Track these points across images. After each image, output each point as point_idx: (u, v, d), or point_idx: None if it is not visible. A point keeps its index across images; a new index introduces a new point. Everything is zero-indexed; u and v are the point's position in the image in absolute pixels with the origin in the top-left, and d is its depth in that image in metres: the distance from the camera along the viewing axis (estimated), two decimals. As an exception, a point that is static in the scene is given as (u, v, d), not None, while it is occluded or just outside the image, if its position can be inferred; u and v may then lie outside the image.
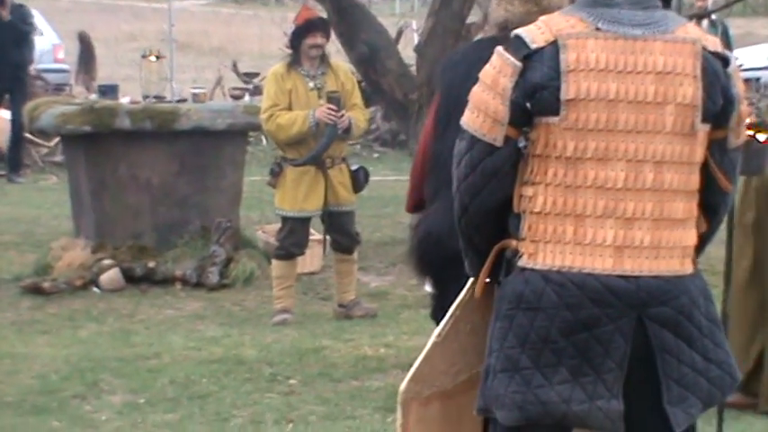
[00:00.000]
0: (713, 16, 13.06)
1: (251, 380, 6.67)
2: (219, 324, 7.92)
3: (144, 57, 9.61)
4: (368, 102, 10.22)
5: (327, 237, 8.04)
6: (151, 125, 8.95)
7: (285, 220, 7.90)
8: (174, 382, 6.62)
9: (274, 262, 7.97)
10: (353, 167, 7.94)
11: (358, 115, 7.84)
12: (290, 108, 7.71)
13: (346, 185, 7.85)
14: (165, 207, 9.09)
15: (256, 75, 18.86)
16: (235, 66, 18.49)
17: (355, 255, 8.09)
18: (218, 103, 10.32)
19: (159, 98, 9.35)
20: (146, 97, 9.32)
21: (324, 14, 12.06)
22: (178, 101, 9.42)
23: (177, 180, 9.11)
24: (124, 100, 9.35)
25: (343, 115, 7.64)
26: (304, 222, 7.91)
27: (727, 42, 12.03)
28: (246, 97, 10.67)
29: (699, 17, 12.44)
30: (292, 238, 7.85)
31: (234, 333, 7.66)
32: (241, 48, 27.17)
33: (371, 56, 10.50)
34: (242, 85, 17.34)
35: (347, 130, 7.71)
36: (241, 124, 9.32)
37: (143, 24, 31.45)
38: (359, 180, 7.92)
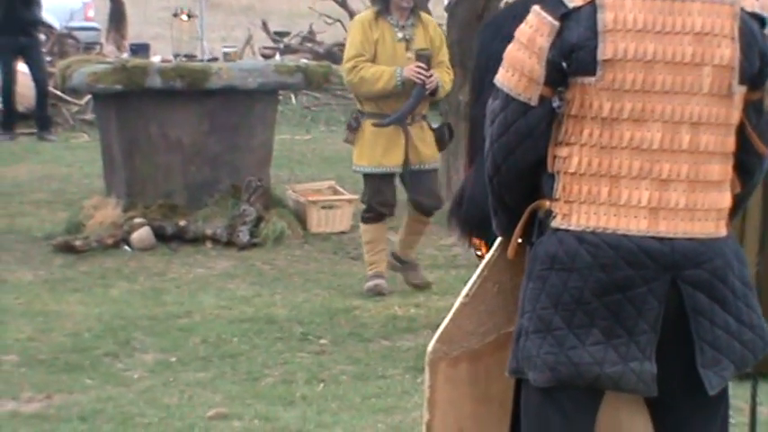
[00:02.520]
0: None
1: (282, 339, 6.70)
2: (250, 283, 7.95)
3: (175, 15, 9.61)
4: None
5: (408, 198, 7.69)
6: (182, 84, 8.95)
7: (366, 178, 7.63)
8: (205, 341, 6.65)
9: (363, 226, 7.68)
10: (435, 125, 7.60)
11: (443, 75, 7.44)
12: (374, 59, 7.40)
13: (428, 142, 7.47)
14: (196, 166, 9.11)
15: (287, 34, 18.88)
16: (264, 25, 18.48)
17: (432, 219, 7.76)
18: (249, 62, 10.32)
19: (190, 57, 9.35)
20: (176, 56, 9.32)
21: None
22: (209, 60, 9.41)
23: (208, 139, 9.13)
24: (155, 59, 9.36)
25: (432, 75, 7.30)
26: (387, 179, 7.55)
27: None
28: (277, 56, 10.66)
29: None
30: (379, 196, 7.55)
31: (264, 292, 7.69)
32: (270, 7, 27.11)
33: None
34: (272, 44, 17.33)
35: (434, 92, 7.38)
36: (272, 83, 9.33)
37: (172, -17, 31.38)
38: (443, 137, 7.55)
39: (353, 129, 7.56)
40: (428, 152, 7.51)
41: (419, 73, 7.23)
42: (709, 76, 3.18)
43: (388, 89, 7.29)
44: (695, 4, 3.18)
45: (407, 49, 7.39)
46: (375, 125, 7.34)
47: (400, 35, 7.44)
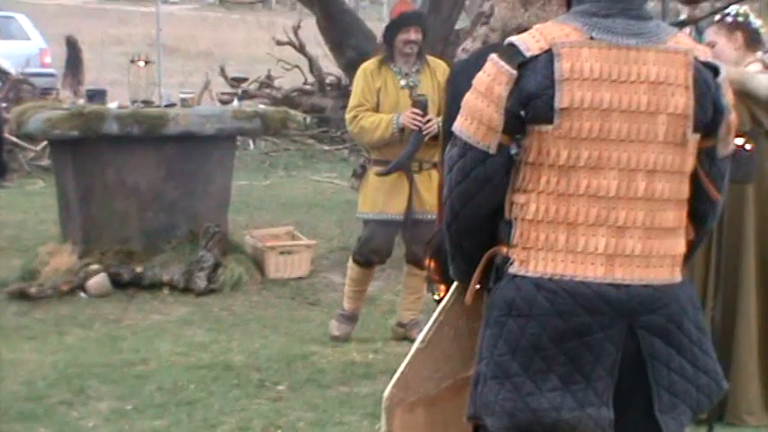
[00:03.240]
0: (699, 23, 13.07)
1: (239, 386, 6.66)
2: (207, 329, 7.91)
3: (132, 62, 9.60)
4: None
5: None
6: (139, 130, 8.93)
7: (366, 223, 7.49)
8: (161, 388, 6.61)
9: (350, 264, 7.59)
10: None
11: None
12: (377, 107, 7.30)
13: (434, 192, 7.12)
14: (153, 212, 9.08)
15: (245, 79, 18.90)
16: (222, 70, 18.50)
17: None
18: (207, 108, 10.29)
19: (147, 103, 9.33)
20: (134, 102, 9.31)
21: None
22: (166, 105, 9.41)
23: (165, 185, 9.11)
24: (112, 105, 9.34)
25: (430, 120, 7.09)
26: (385, 227, 7.39)
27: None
28: (235, 102, 10.64)
29: (683, 24, 12.46)
30: (372, 243, 7.41)
31: (222, 338, 7.65)
32: (228, 52, 27.17)
33: (360, 61, 10.48)
34: (230, 89, 17.34)
35: (436, 136, 7.03)
36: (229, 129, 9.32)
37: (130, 29, 31.44)
38: None
39: (359, 176, 7.46)
40: (434, 201, 7.36)
41: (414, 119, 7.12)
42: (664, 125, 3.22)
43: (387, 137, 7.19)
44: (650, 54, 3.22)
45: (411, 95, 7.29)
46: (376, 174, 7.25)
47: (403, 82, 7.35)
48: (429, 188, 7.14)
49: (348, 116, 7.37)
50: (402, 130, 7.15)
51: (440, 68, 7.41)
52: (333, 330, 7.58)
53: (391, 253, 7.56)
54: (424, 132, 7.08)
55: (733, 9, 6.02)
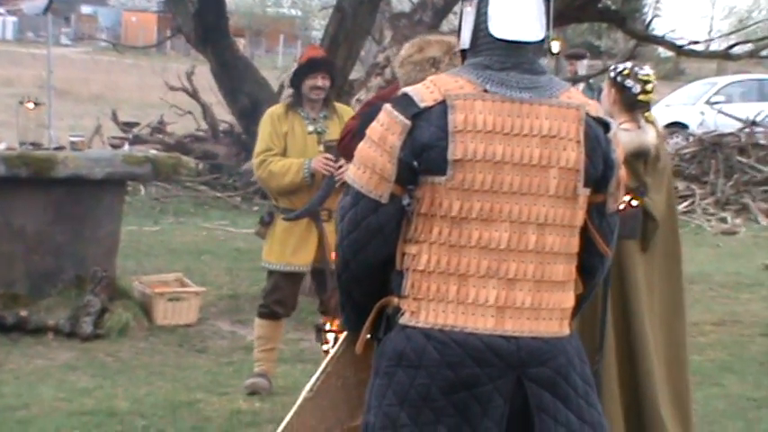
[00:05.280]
0: (591, 80, 13.31)
1: (123, 433, 6.57)
2: (92, 375, 7.79)
3: (21, 103, 9.48)
4: (249, 154, 10.14)
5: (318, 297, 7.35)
6: (27, 172, 8.80)
7: (270, 274, 7.26)
8: (43, 434, 6.49)
9: (257, 320, 7.40)
10: None
11: None
12: (284, 153, 7.15)
13: None
14: (39, 255, 8.95)
15: (136, 124, 18.79)
16: (114, 114, 18.36)
17: None
18: (97, 152, 10.20)
19: (36, 145, 9.21)
20: (22, 144, 9.18)
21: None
22: (56, 148, 9.29)
23: (52, 228, 8.98)
24: (0, 146, 9.20)
25: (341, 166, 6.83)
26: (291, 278, 7.22)
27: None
28: (126, 146, 10.57)
29: (576, 81, 12.68)
30: (276, 294, 7.23)
31: (107, 384, 7.54)
32: (121, 96, 26.99)
33: (253, 108, 10.50)
34: (121, 134, 17.23)
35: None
36: (120, 173, 9.22)
37: (20, 70, 31.08)
38: None
39: (266, 223, 7.27)
40: None
41: (327, 164, 6.95)
42: (555, 178, 3.25)
43: (297, 182, 7.05)
44: (543, 108, 3.26)
45: (319, 141, 7.16)
46: (285, 219, 7.11)
47: (311, 128, 7.21)
48: None
49: (255, 161, 7.21)
50: (313, 175, 7.03)
51: (347, 115, 7.29)
52: (247, 386, 7.36)
53: (296, 305, 7.44)
54: (336, 178, 6.93)
55: (621, 66, 6.11)
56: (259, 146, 7.22)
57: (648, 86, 6.00)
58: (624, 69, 6.03)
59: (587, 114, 3.31)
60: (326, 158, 6.98)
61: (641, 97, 5.99)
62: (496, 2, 3.31)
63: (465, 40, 3.38)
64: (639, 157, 5.94)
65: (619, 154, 3.38)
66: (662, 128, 6.48)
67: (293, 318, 7.92)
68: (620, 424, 5.87)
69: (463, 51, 3.40)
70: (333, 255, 6.81)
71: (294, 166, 7.05)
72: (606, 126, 3.36)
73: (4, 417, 6.76)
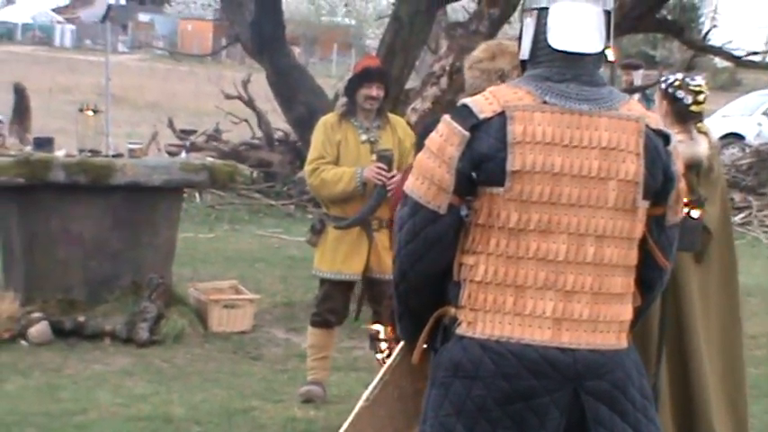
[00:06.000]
0: (647, 90, 13.25)
1: (178, 439, 6.61)
2: (148, 381, 7.84)
3: (81, 110, 9.56)
4: (303, 162, 10.16)
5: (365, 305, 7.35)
6: (86, 179, 8.88)
7: (322, 282, 7.29)
8: (100, 439, 6.54)
9: (309, 329, 7.42)
10: None
11: None
12: (337, 161, 7.11)
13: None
14: (97, 261, 9.02)
15: (193, 132, 18.87)
16: (171, 122, 18.46)
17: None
18: (154, 159, 10.25)
19: (95, 152, 9.29)
20: (81, 151, 9.27)
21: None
22: (114, 155, 9.37)
23: (110, 235, 9.05)
24: (59, 153, 9.29)
25: (393, 176, 6.83)
26: (342, 287, 7.24)
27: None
28: (183, 154, 10.61)
29: (632, 91, 12.62)
30: (328, 303, 7.26)
31: (162, 390, 7.59)
32: (177, 104, 27.15)
33: (309, 117, 10.51)
34: (178, 141, 17.31)
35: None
36: (177, 180, 9.29)
37: (78, 77, 31.36)
38: None
39: (317, 231, 7.27)
40: (390, 261, 7.14)
41: (379, 173, 6.93)
42: (614, 191, 3.25)
43: (349, 191, 7.02)
44: (602, 120, 3.26)
45: (372, 151, 7.13)
46: (335, 227, 7.12)
47: (364, 137, 7.18)
48: (388, 247, 6.84)
49: (308, 168, 7.20)
50: (365, 184, 7.01)
51: (400, 125, 7.36)
52: (302, 394, 7.38)
53: (348, 313, 7.44)
54: (388, 188, 6.90)
55: (672, 77, 6.08)
56: (312, 154, 7.23)
57: (700, 97, 5.97)
58: (675, 81, 6.00)
59: (647, 126, 3.30)
60: (379, 168, 6.96)
61: (693, 108, 5.96)
62: (556, 13, 3.31)
63: (525, 50, 3.38)
64: (692, 169, 5.91)
65: (679, 167, 3.37)
66: (715, 139, 6.44)
67: (346, 326, 7.93)
68: None
69: (523, 62, 3.40)
70: (384, 264, 6.84)
71: (346, 174, 7.05)
72: (666, 138, 3.35)
73: (62, 422, 6.82)
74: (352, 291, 7.42)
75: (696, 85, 5.97)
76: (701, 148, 5.98)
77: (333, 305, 7.28)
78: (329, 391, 7.52)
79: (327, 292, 7.29)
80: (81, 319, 8.71)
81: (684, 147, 5.84)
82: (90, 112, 9.51)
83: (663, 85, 6.04)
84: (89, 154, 9.21)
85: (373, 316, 7.26)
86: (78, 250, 8.98)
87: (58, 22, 64.83)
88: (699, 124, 6.07)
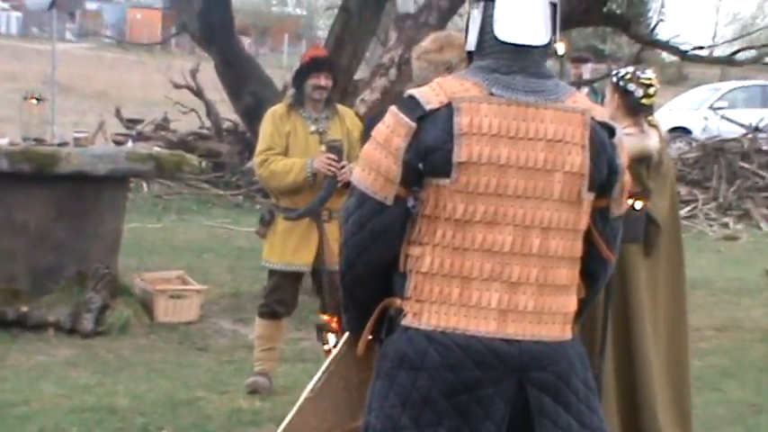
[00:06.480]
0: (595, 84, 13.31)
1: (122, 430, 6.56)
2: (93, 372, 7.79)
3: (25, 99, 9.47)
4: (252, 152, 10.12)
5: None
6: (30, 168, 8.80)
7: (271, 273, 7.25)
8: (43, 430, 6.48)
9: (257, 320, 7.41)
10: None
11: None
12: (286, 152, 7.10)
13: None
14: (41, 251, 8.95)
15: (140, 121, 18.76)
16: (118, 111, 18.35)
17: None
18: (100, 148, 10.18)
19: (39, 141, 9.21)
20: (25, 139, 9.18)
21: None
22: (59, 144, 9.30)
23: (55, 224, 8.98)
24: (3, 141, 9.20)
25: (344, 166, 6.88)
26: (291, 278, 7.22)
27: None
28: (129, 143, 10.54)
29: (581, 85, 12.68)
30: (277, 294, 7.24)
31: (107, 381, 7.54)
32: (124, 93, 26.97)
33: (257, 107, 10.48)
34: (125, 130, 17.21)
35: (348, 183, 6.77)
36: (123, 170, 9.23)
37: (24, 65, 31.08)
38: None
39: (266, 222, 7.24)
40: None
41: (330, 164, 6.91)
42: (559, 182, 3.25)
43: (299, 181, 7.00)
44: (548, 112, 3.26)
45: (321, 141, 7.11)
46: (285, 218, 7.08)
47: (313, 128, 7.17)
48: (338, 238, 6.93)
49: (257, 160, 7.19)
50: (315, 175, 6.99)
51: (348, 116, 7.35)
52: (248, 385, 7.36)
53: (297, 305, 7.44)
54: (339, 178, 6.91)
55: (623, 70, 6.10)
56: (260, 145, 7.20)
57: (651, 90, 6.00)
58: (626, 74, 6.02)
59: (593, 119, 3.31)
60: (329, 158, 6.95)
61: (644, 101, 5.99)
62: (503, 5, 3.31)
63: (471, 42, 3.38)
64: (642, 162, 5.94)
65: (623, 159, 3.38)
66: (665, 132, 6.48)
67: (294, 317, 7.92)
68: (617, 427, 5.87)
69: (469, 53, 3.40)
70: (334, 255, 6.86)
71: (296, 165, 7.03)
72: (611, 131, 3.36)
73: (3, 412, 6.76)
74: (300, 282, 7.41)
75: (647, 79, 5.99)
76: (652, 141, 6.01)
77: (281, 296, 7.26)
78: (276, 382, 7.50)
79: (276, 284, 7.26)
80: (24, 309, 8.64)
81: (635, 140, 5.86)
82: (34, 101, 9.43)
83: (614, 79, 6.06)
84: (33, 142, 9.13)
85: (321, 307, 7.25)
86: (22, 240, 8.90)
87: (4, 9, 64.22)
88: (649, 117, 6.10)
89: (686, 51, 13.27)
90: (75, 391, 7.26)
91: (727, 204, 17.44)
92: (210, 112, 17.90)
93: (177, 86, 18.21)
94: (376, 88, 10.34)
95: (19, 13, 61.93)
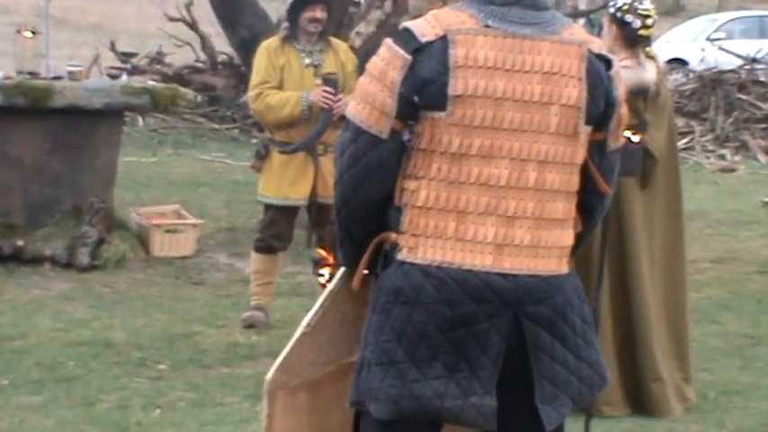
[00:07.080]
0: (591, 15, 13.25)
1: (119, 364, 6.58)
2: (89, 306, 7.80)
3: (19, 32, 9.41)
4: (247, 86, 10.06)
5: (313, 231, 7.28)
6: (24, 101, 8.76)
7: (267, 208, 7.26)
8: (39, 364, 6.50)
9: (253, 254, 7.41)
10: None
11: None
12: (281, 86, 7.05)
13: None
14: (37, 185, 8.92)
15: (135, 54, 18.65)
16: (113, 44, 18.24)
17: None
18: (95, 82, 10.12)
19: (34, 74, 9.16)
20: (19, 73, 9.13)
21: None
22: (53, 78, 9.24)
23: (50, 158, 8.95)
24: (-3, 75, 9.14)
25: (340, 99, 6.85)
26: (288, 212, 7.22)
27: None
28: (124, 77, 10.47)
29: (577, 16, 12.60)
30: (273, 228, 7.23)
31: (103, 316, 7.55)
32: (119, 26, 26.80)
33: (252, 40, 10.40)
34: (119, 64, 17.11)
35: (344, 116, 6.73)
36: (118, 104, 9.18)
37: (18, -3, 30.81)
38: None
39: (262, 157, 7.21)
40: None
41: (326, 97, 6.89)
42: (556, 116, 3.22)
43: (295, 115, 6.96)
44: (544, 44, 3.22)
45: (316, 74, 7.07)
46: (281, 152, 7.06)
47: (308, 61, 7.12)
48: (333, 172, 6.85)
49: (252, 93, 7.15)
50: (311, 108, 6.95)
51: (342, 49, 7.31)
52: (245, 319, 7.38)
53: (292, 238, 7.43)
54: (335, 111, 6.87)
55: (621, 1, 6.04)
56: (255, 78, 7.16)
57: (648, 21, 5.95)
58: (624, 5, 5.97)
59: (590, 51, 3.27)
60: (325, 92, 6.92)
61: (641, 32, 5.95)
62: (500, -64, 3.26)
63: (468, -27, 3.33)
64: (639, 94, 5.90)
65: (620, 92, 3.35)
66: (662, 64, 6.44)
67: (290, 251, 7.91)
68: (613, 361, 5.88)
69: (465, -15, 3.35)
70: (329, 189, 6.85)
71: (292, 98, 6.99)
72: (608, 63, 3.32)
73: (0, 347, 6.77)
74: (296, 216, 7.39)
75: (644, 9, 5.95)
76: (649, 73, 5.98)
77: (277, 230, 7.26)
78: (272, 316, 7.52)
79: (272, 218, 7.25)
80: (20, 243, 8.64)
81: (632, 72, 5.83)
82: (28, 34, 9.38)
83: (611, 10, 6.01)
84: (28, 76, 9.07)
85: (317, 241, 7.23)
86: (17, 174, 8.88)
87: (-2, -58, 63.75)
88: (647, 49, 6.05)
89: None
90: (71, 326, 7.28)
91: (725, 136, 17.41)
92: (205, 45, 17.79)
93: (172, 19, 18.07)
94: (371, 21, 10.29)
95: (12, -54, 61.37)
